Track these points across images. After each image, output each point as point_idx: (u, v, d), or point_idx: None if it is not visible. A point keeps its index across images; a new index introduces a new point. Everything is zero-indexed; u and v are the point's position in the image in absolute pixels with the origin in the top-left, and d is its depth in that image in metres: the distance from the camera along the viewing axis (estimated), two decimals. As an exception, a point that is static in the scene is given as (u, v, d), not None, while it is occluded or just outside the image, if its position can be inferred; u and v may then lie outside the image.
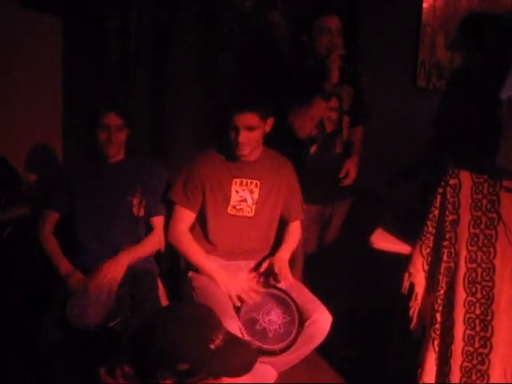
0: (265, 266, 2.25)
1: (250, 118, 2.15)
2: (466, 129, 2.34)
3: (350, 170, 2.55)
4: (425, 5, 2.82)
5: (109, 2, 2.96)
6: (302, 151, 2.49)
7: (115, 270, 2.20)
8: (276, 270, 2.20)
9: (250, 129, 2.16)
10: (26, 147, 3.07)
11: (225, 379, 1.60)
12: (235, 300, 2.14)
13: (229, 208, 2.27)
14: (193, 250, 2.27)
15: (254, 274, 2.27)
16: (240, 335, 1.97)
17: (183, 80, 2.99)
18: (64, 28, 3.14)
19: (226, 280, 2.19)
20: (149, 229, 2.38)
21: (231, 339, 1.55)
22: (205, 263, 2.25)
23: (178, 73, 3.00)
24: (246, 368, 1.56)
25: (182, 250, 2.29)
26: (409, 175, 2.53)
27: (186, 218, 2.28)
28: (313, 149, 2.50)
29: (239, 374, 1.55)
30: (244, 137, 2.16)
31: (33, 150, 3.09)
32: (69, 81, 3.19)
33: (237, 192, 2.27)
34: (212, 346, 1.46)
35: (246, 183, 2.28)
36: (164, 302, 2.30)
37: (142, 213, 2.34)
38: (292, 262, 2.37)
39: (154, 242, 2.35)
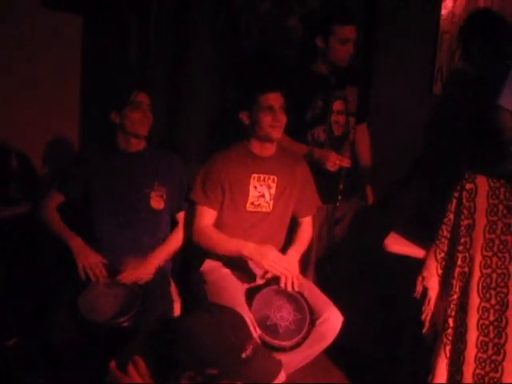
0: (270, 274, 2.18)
1: (280, 98, 2.21)
2: (461, 134, 2.36)
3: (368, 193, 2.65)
4: (443, 11, 2.83)
5: (129, 1, 3.00)
6: None
7: (144, 272, 2.20)
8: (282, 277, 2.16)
9: (283, 108, 2.21)
10: (43, 143, 3.09)
11: None
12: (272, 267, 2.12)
13: (247, 205, 2.28)
14: (218, 237, 2.25)
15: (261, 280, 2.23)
16: (252, 329, 1.96)
17: (200, 80, 3.02)
18: (84, 26, 3.18)
19: (257, 250, 2.14)
20: (172, 222, 2.39)
21: (259, 349, 1.54)
22: (232, 243, 2.22)
23: (196, 73, 3.02)
24: (269, 378, 1.54)
25: (207, 243, 2.26)
26: (403, 184, 2.56)
27: (207, 216, 2.29)
28: None
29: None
30: (282, 115, 2.20)
31: (50, 145, 3.11)
32: (87, 77, 3.22)
33: (255, 188, 2.28)
34: (243, 355, 1.46)
35: (264, 179, 2.29)
36: (176, 298, 2.30)
37: (161, 206, 2.32)
38: (303, 263, 2.36)
39: (178, 238, 2.36)
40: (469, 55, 2.29)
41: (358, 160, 2.70)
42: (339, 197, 2.53)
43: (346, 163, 2.42)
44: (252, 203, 2.28)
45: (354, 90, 2.57)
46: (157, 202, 2.32)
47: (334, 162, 2.39)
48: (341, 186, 2.50)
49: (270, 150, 2.30)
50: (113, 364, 1.54)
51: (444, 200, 2.05)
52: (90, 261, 2.18)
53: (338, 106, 2.52)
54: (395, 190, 2.63)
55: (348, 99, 2.55)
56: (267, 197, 2.29)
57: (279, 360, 1.80)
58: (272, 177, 2.29)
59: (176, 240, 2.35)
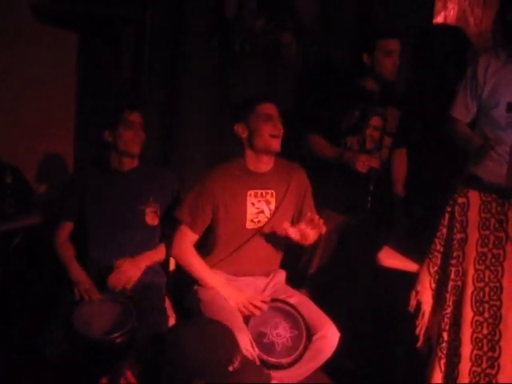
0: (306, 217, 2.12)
1: (276, 109, 2.23)
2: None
3: None
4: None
5: (123, 18, 3.02)
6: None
7: (134, 268, 2.22)
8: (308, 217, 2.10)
9: (280, 120, 2.22)
10: (38, 158, 3.11)
11: None
12: (243, 311, 2.13)
13: (247, 223, 2.23)
14: (196, 265, 2.24)
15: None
16: (251, 348, 1.97)
17: (195, 96, 3.03)
18: (79, 43, 3.21)
19: (232, 293, 2.18)
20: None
21: (246, 362, 1.55)
22: (208, 278, 2.21)
23: (190, 90, 3.04)
24: None
25: (185, 266, 2.26)
26: None
27: (189, 237, 2.25)
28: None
29: None
30: (281, 125, 2.21)
31: (44, 160, 3.13)
32: (82, 94, 3.24)
33: (253, 204, 2.24)
34: (231, 368, 1.47)
35: (262, 194, 2.25)
36: (170, 313, 2.30)
37: (156, 222, 2.34)
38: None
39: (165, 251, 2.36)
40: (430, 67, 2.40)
41: (392, 184, 2.71)
42: (369, 198, 2.53)
43: (375, 163, 2.46)
44: (251, 220, 2.24)
45: (395, 111, 2.62)
46: (151, 218, 2.34)
47: (364, 162, 2.43)
48: (371, 187, 2.50)
49: (266, 165, 2.26)
50: (104, 380, 1.55)
51: (437, 214, 2.07)
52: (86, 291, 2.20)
53: (375, 121, 2.58)
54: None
55: (387, 118, 2.60)
56: (267, 212, 2.25)
57: (268, 373, 1.80)
58: (270, 191, 2.25)
59: (163, 251, 2.35)
